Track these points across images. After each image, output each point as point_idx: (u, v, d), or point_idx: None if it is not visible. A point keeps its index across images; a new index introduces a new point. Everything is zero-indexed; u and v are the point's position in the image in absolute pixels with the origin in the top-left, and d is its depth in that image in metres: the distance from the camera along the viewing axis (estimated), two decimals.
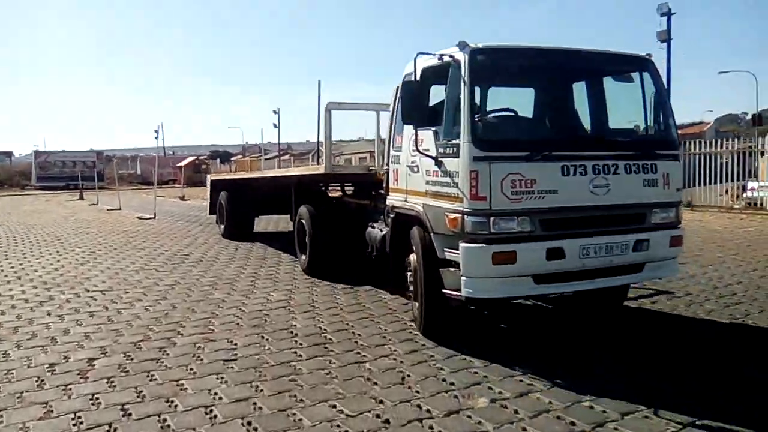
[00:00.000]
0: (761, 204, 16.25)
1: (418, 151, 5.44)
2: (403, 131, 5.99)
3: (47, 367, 4.95)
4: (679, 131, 6.37)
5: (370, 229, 7.31)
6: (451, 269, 5.13)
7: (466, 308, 5.83)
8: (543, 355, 5.12)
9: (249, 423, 3.88)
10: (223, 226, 13.39)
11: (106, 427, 3.87)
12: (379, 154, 7.51)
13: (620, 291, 6.14)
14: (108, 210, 22.30)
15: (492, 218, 4.84)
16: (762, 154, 16.66)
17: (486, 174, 4.82)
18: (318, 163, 12.24)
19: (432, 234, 5.41)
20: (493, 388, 4.37)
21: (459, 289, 4.99)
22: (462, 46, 5.14)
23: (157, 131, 39.90)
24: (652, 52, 5.91)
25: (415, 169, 5.77)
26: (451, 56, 5.24)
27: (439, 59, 5.39)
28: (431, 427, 3.80)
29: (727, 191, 17.24)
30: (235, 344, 5.51)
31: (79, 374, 4.80)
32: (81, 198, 30.30)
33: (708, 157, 17.28)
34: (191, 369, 4.88)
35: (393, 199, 6.37)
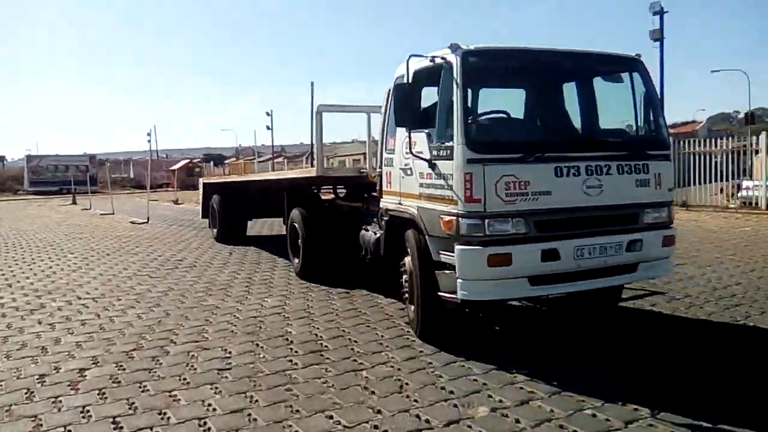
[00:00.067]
0: (756, 203, 16.26)
1: (412, 153, 5.42)
2: (396, 134, 5.99)
3: (37, 379, 4.86)
4: (672, 130, 6.43)
5: (363, 231, 7.27)
6: (447, 272, 5.12)
7: (461, 311, 5.79)
8: (541, 359, 5.07)
9: None
10: (215, 230, 13.33)
11: None
12: (370, 157, 7.48)
13: (614, 292, 6.14)
14: (101, 214, 22.17)
15: (487, 220, 4.84)
16: (756, 152, 16.68)
17: (480, 176, 4.81)
18: (311, 166, 12.17)
19: (427, 236, 5.39)
20: (494, 396, 4.30)
21: (455, 292, 4.98)
22: (454, 48, 5.14)
23: (149, 134, 39.74)
24: (646, 51, 5.91)
25: (409, 172, 5.76)
26: (443, 58, 5.23)
27: (431, 61, 5.38)
28: None
29: (722, 190, 17.25)
30: (230, 352, 5.43)
31: (69, 385, 4.70)
32: (74, 203, 30.15)
33: (702, 156, 17.28)
34: (184, 379, 4.79)
35: (387, 202, 6.33)
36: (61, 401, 4.39)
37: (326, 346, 5.53)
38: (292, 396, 4.39)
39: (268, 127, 58.73)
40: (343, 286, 7.93)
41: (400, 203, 5.97)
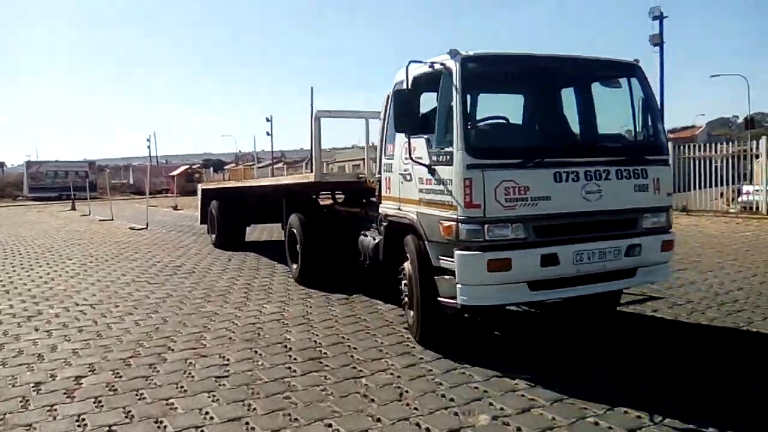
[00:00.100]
0: (757, 208, 16.23)
1: (411, 159, 5.42)
2: (395, 139, 5.98)
3: (33, 387, 4.81)
4: (672, 135, 6.47)
5: (362, 237, 7.24)
6: (446, 277, 5.13)
7: (461, 316, 5.75)
8: (542, 364, 5.03)
9: None
10: (214, 236, 13.30)
11: None
12: (369, 162, 7.46)
13: (612, 297, 6.15)
14: (100, 220, 22.12)
15: (486, 226, 4.84)
16: (756, 157, 16.65)
17: (480, 182, 4.82)
18: (311, 171, 12.14)
19: (426, 242, 5.39)
20: (495, 404, 4.25)
21: (454, 297, 4.98)
22: (453, 54, 5.15)
23: (149, 140, 39.69)
24: (647, 55, 5.93)
25: (408, 177, 5.75)
26: (442, 64, 5.25)
27: (430, 67, 5.39)
28: None
29: (722, 194, 17.22)
30: (228, 360, 5.38)
31: (65, 393, 4.65)
32: (73, 208, 30.09)
33: (702, 161, 17.26)
34: (182, 387, 4.74)
35: (386, 208, 6.32)
36: (56, 410, 4.34)
37: (325, 353, 5.48)
38: (290, 404, 4.34)
39: (268, 133, 59.00)
40: (342, 291, 7.89)
41: (399, 209, 5.96)
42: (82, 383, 4.87)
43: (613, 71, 5.95)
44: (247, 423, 4.04)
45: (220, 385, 4.77)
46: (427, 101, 5.74)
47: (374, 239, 6.81)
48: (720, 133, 57.46)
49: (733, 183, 17.17)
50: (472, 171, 4.83)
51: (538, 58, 5.72)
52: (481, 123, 5.76)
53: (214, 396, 4.53)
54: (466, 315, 5.97)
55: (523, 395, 4.39)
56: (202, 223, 14.59)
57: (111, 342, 6.02)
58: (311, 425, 3.99)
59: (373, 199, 6.88)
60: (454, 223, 4.93)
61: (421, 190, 5.49)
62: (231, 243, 12.65)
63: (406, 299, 5.96)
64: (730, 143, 17.57)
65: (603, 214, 5.20)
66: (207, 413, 4.21)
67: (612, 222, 5.27)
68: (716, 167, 17.04)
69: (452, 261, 4.97)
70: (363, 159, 9.08)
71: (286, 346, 5.72)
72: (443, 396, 4.42)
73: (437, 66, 5.29)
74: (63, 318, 7.05)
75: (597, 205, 5.12)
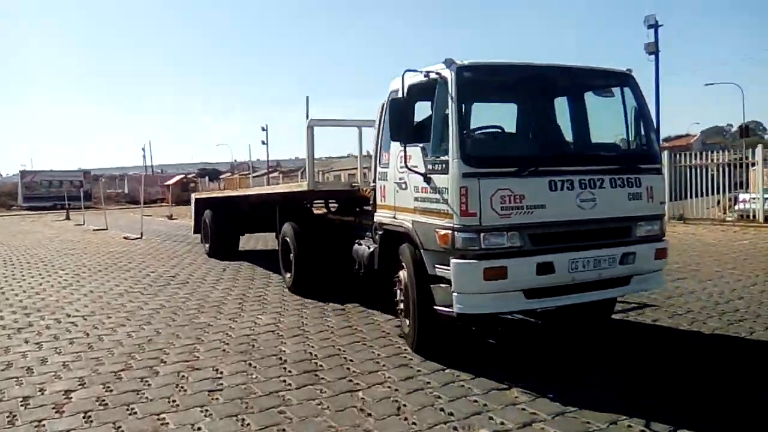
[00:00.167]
0: (753, 216, 16.22)
1: (407, 167, 5.40)
2: (390, 148, 5.98)
3: (21, 401, 4.71)
4: (667, 144, 6.50)
5: (356, 246, 7.20)
6: (442, 285, 5.12)
7: (456, 324, 5.68)
8: (540, 375, 4.97)
9: None
10: (208, 245, 13.23)
11: None
12: (362, 170, 7.43)
13: (607, 305, 6.15)
14: (94, 230, 21.96)
15: (482, 234, 4.84)
16: (752, 165, 16.67)
17: (475, 190, 4.82)
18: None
19: (422, 250, 5.38)
20: (495, 419, 4.16)
21: (450, 305, 4.98)
22: (449, 63, 5.16)
23: (144, 150, 39.66)
24: (641, 63, 5.98)
25: (404, 186, 5.73)
26: (437, 73, 5.26)
27: (425, 76, 5.39)
28: None
29: (719, 202, 17.22)
30: (221, 372, 5.29)
31: (54, 408, 4.55)
32: (67, 218, 29.90)
33: (698, 170, 17.26)
34: (174, 401, 4.64)
35: (381, 216, 6.30)
36: (44, 425, 4.24)
37: (321, 366, 5.40)
38: (285, 419, 4.25)
39: (263, 142, 58.83)
40: (337, 301, 7.82)
41: (394, 217, 5.94)
42: (71, 397, 4.77)
43: (607, 80, 5.99)
44: None
45: (213, 399, 4.68)
46: (420, 109, 5.73)
47: (369, 248, 6.77)
48: (714, 142, 57.81)
49: (729, 191, 17.19)
50: (468, 179, 4.83)
51: (532, 68, 5.75)
52: (477, 132, 5.76)
53: (206, 411, 4.43)
54: (458, 323, 5.90)
55: (523, 409, 4.31)
56: (195, 232, 14.52)
57: (102, 354, 5.91)
58: None
59: (367, 207, 6.85)
60: (450, 231, 4.91)
61: (416, 199, 5.47)
62: (225, 252, 12.57)
63: (401, 307, 5.92)
64: (726, 151, 17.60)
65: (597, 222, 5.22)
66: (199, 428, 4.12)
67: (606, 230, 5.30)
68: (712, 175, 17.06)
69: (448, 269, 4.96)
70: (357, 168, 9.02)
71: (281, 359, 5.63)
72: (442, 410, 4.33)
73: (433, 75, 5.29)
74: (54, 330, 6.94)
75: (591, 213, 5.15)
